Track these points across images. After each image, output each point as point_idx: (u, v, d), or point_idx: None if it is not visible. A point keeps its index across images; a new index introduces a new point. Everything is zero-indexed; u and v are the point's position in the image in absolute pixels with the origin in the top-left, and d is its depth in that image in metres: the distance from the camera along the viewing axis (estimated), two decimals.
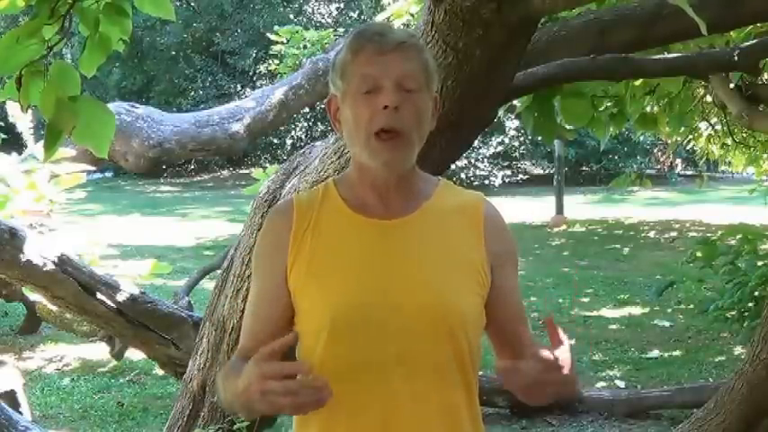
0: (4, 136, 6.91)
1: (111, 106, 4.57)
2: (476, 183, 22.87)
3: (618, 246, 13.93)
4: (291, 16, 26.39)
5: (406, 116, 1.61)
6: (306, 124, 27.08)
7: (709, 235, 9.38)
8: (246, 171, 20.77)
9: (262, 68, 23.08)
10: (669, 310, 8.82)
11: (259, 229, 3.14)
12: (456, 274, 1.66)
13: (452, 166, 4.75)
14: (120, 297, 4.16)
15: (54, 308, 5.90)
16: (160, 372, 5.47)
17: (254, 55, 26.12)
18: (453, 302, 1.64)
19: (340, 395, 1.59)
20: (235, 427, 3.23)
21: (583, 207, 19.39)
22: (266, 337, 1.61)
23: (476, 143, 18.07)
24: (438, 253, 1.67)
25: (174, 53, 27.84)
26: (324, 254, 1.66)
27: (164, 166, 23.44)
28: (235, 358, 1.68)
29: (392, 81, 1.61)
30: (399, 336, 1.61)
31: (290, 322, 1.68)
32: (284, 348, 1.50)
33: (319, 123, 26.54)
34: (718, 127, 9.24)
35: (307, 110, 23.02)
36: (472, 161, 23.64)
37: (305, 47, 8.50)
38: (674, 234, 15.12)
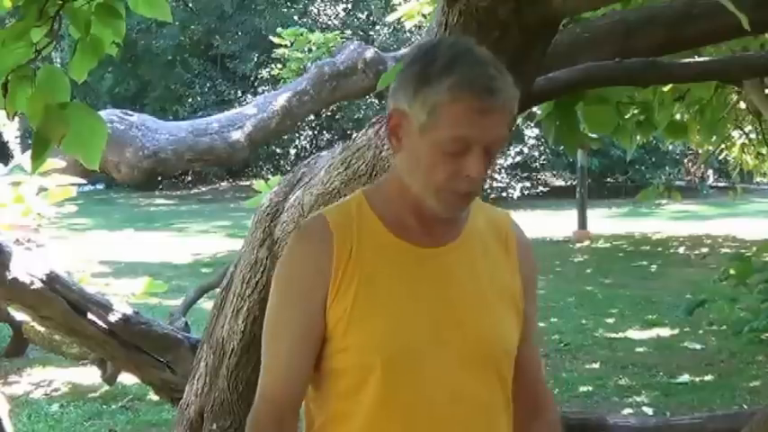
0: None
1: (104, 114, 4.60)
2: (493, 195, 22.89)
3: (645, 263, 13.91)
4: (296, 17, 26.48)
5: (484, 177, 1.62)
6: (311, 133, 27.18)
7: (742, 251, 9.37)
8: (247, 183, 20.85)
9: (264, 73, 23.20)
10: (700, 332, 8.78)
11: (261, 245, 3.15)
12: (501, 307, 1.69)
13: None
14: (113, 317, 4.16)
15: (42, 329, 5.90)
16: (155, 397, 5.47)
17: (255, 59, 26.24)
18: (500, 337, 1.67)
19: None
20: None
21: (607, 221, 19.37)
22: (302, 380, 1.64)
23: None
24: (484, 283, 1.68)
25: (170, 57, 27.97)
26: (369, 285, 1.62)
27: (159, 178, 23.56)
28: (265, 417, 1.65)
29: (483, 147, 1.57)
30: (451, 373, 1.62)
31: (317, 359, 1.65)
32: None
33: (325, 132, 26.65)
34: (753, 135, 9.23)
35: (312, 117, 23.12)
36: (489, 172, 23.65)
37: (310, 50, 8.50)
38: (705, 250, 15.09)
